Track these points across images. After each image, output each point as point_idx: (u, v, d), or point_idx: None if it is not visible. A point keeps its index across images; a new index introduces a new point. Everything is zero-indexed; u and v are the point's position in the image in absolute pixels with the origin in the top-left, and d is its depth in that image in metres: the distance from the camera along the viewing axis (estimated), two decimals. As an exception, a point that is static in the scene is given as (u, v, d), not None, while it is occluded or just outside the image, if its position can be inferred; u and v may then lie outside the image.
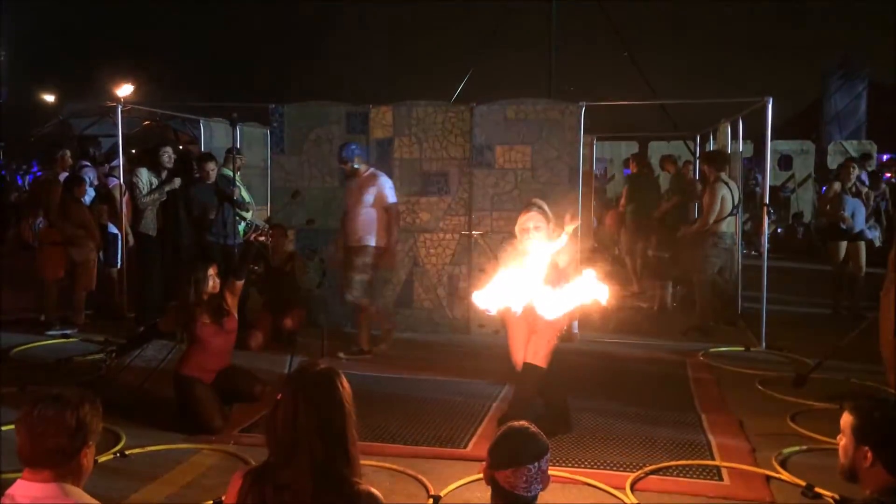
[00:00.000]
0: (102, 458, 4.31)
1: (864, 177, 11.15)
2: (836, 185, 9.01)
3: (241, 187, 8.02)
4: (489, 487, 2.42)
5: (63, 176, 8.25)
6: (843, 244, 8.76)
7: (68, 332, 7.61)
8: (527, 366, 4.77)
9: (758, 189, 8.74)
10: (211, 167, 7.58)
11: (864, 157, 13.89)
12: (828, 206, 8.99)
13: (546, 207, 4.85)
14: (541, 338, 4.74)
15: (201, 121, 9.49)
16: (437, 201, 7.86)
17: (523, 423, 2.48)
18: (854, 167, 9.21)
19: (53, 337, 7.44)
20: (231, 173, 7.80)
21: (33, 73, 27.03)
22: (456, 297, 7.82)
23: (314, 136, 8.10)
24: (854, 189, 8.95)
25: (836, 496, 3.81)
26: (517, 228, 4.81)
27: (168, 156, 7.92)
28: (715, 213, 7.74)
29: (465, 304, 7.67)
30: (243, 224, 8.10)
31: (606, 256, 10.57)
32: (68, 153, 8.74)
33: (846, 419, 2.39)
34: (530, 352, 4.76)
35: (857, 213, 8.75)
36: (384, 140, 7.97)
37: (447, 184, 7.85)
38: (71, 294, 7.90)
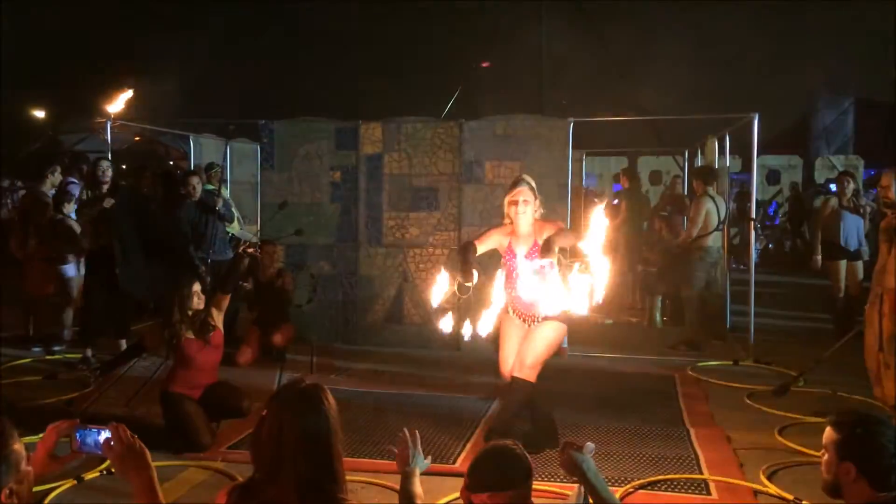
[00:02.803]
0: (89, 476, 4.28)
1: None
2: (833, 201, 8.44)
3: (225, 198, 7.94)
4: None
5: (52, 192, 8.22)
6: (843, 263, 8.29)
7: (55, 348, 7.57)
8: (514, 380, 4.76)
9: (749, 204, 8.72)
10: (194, 182, 7.56)
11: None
12: (822, 224, 8.43)
13: (533, 183, 4.87)
14: (531, 349, 4.71)
15: (191, 137, 9.49)
16: (427, 216, 7.88)
17: (508, 441, 2.38)
18: (848, 181, 8.57)
19: (37, 353, 7.39)
20: (213, 187, 7.78)
21: (23, 89, 26.97)
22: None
23: (304, 151, 8.12)
24: (852, 204, 8.37)
25: (823, 510, 3.83)
26: (506, 202, 4.81)
27: (103, 170, 7.51)
28: (698, 226, 7.78)
29: (456, 319, 7.66)
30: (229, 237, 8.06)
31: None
32: (59, 169, 8.72)
33: (829, 435, 2.39)
34: (517, 364, 4.73)
35: (854, 230, 8.27)
36: (374, 156, 8.00)
37: (437, 199, 7.88)
38: (58, 311, 7.86)
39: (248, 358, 7.09)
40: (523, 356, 4.72)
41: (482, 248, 4.79)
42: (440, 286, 4.08)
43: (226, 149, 7.76)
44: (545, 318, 4.69)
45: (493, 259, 5.01)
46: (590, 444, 2.42)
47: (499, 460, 2.29)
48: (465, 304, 4.63)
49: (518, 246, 4.77)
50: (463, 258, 4.53)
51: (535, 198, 4.79)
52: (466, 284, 4.33)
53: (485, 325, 4.20)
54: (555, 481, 4.32)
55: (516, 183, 4.83)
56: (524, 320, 4.81)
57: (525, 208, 4.72)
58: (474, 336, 4.31)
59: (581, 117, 7.98)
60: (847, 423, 2.37)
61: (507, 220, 4.85)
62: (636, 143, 14.63)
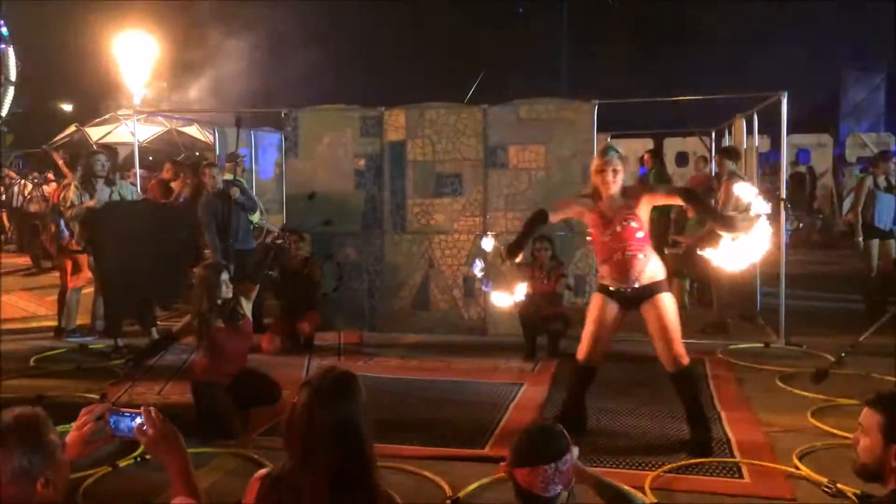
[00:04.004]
0: (123, 463, 4.35)
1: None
2: (869, 181, 8.39)
3: (244, 187, 7.99)
4: (511, 483, 2.42)
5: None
6: (876, 242, 8.27)
7: (88, 339, 7.69)
8: (674, 375, 4.63)
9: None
10: (213, 173, 7.62)
11: None
12: (859, 203, 8.36)
13: (622, 150, 4.79)
14: (669, 335, 4.54)
15: (215, 128, 9.55)
16: (452, 202, 7.86)
17: (548, 421, 2.49)
18: (887, 161, 8.44)
19: (72, 344, 7.51)
20: (232, 177, 7.82)
21: (50, 82, 27.30)
22: (472, 297, 7.81)
23: (328, 140, 8.13)
24: (887, 183, 8.29)
25: (858, 492, 3.77)
26: (592, 171, 4.67)
27: (101, 164, 7.51)
28: (729, 209, 7.67)
29: (481, 304, 7.68)
30: (252, 226, 8.11)
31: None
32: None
33: (870, 417, 2.29)
34: (667, 356, 4.57)
35: (887, 209, 8.19)
36: (398, 143, 7.98)
37: (461, 185, 7.85)
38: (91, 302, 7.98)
39: (276, 346, 7.14)
40: (668, 346, 4.56)
41: (558, 216, 4.74)
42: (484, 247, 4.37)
43: (238, 134, 7.77)
44: (648, 285, 4.55)
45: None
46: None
47: (539, 437, 2.40)
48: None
49: (606, 212, 4.60)
50: (525, 230, 4.58)
51: (624, 165, 4.66)
52: (511, 259, 4.38)
53: (516, 294, 4.38)
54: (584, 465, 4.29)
55: (605, 152, 4.66)
56: (620, 291, 4.61)
57: (615, 177, 4.58)
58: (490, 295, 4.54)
59: (605, 99, 7.89)
60: (893, 405, 2.27)
61: (587, 190, 4.75)
62: (662, 124, 14.46)
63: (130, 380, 5.89)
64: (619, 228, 4.54)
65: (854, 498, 3.79)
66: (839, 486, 3.92)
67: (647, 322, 4.61)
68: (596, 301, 4.75)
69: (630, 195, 4.63)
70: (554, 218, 4.71)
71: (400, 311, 7.97)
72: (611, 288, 4.65)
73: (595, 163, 4.68)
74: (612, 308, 4.67)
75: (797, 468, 4.24)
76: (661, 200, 5.04)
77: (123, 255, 7.05)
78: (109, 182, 7.54)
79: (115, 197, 7.46)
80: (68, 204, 7.34)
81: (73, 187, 7.42)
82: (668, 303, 4.59)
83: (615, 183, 4.58)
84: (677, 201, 5.18)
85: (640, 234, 4.55)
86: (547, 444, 2.36)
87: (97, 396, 5.61)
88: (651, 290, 4.57)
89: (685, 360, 4.61)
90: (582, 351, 4.80)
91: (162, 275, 7.38)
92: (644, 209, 4.60)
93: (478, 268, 4.44)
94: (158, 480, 4.12)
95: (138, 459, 4.39)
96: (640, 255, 4.55)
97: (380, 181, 7.99)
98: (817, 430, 4.84)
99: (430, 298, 7.94)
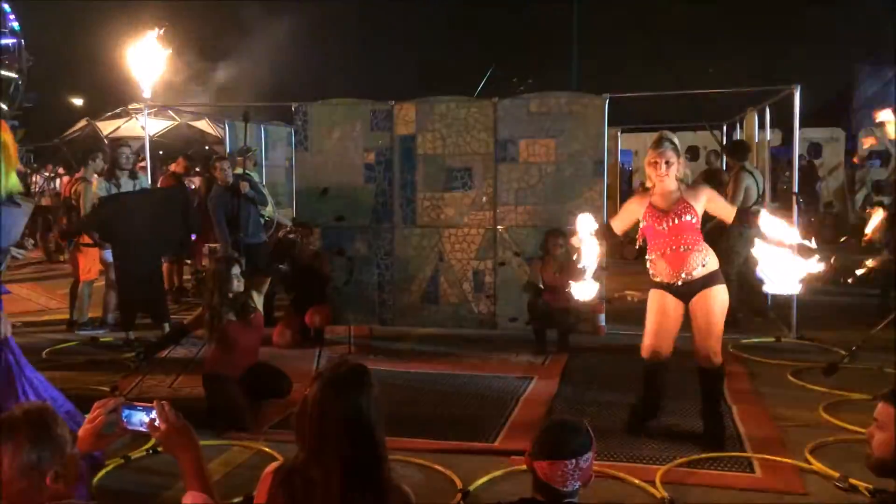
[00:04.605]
0: (135, 455, 4.38)
1: None
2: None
3: (253, 181, 8.01)
4: (524, 476, 2.47)
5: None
6: None
7: (99, 331, 7.73)
8: (703, 371, 4.62)
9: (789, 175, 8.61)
10: (224, 167, 7.66)
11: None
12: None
13: (677, 141, 4.63)
14: (711, 329, 4.53)
15: (226, 121, 9.56)
16: (462, 196, 7.85)
17: (571, 417, 2.51)
18: None
19: (84, 337, 7.55)
20: (242, 171, 7.86)
21: (60, 76, 27.38)
22: (482, 291, 7.80)
23: (338, 134, 8.12)
24: None
25: (871, 487, 3.75)
26: (646, 163, 4.59)
27: (126, 157, 7.68)
28: (738, 202, 7.64)
29: (491, 298, 7.68)
30: (263, 220, 8.14)
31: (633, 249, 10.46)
32: (100, 156, 8.84)
33: (887, 412, 2.28)
34: (702, 351, 4.56)
35: None
36: (408, 136, 7.97)
37: (471, 179, 7.83)
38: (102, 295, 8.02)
39: (287, 339, 7.16)
40: (706, 341, 4.55)
41: (619, 225, 4.65)
42: (589, 250, 4.20)
43: (246, 130, 7.78)
44: (705, 277, 4.49)
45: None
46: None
47: (560, 431, 2.40)
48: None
49: (660, 205, 4.54)
50: (609, 241, 4.57)
51: (679, 157, 4.55)
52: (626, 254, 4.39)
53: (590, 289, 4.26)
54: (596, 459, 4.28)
55: (658, 143, 4.53)
56: (676, 285, 4.54)
57: (668, 169, 4.49)
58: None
59: (616, 92, 7.84)
60: None
61: (647, 183, 4.64)
62: (673, 117, 14.37)
63: (141, 373, 5.92)
64: (675, 221, 4.47)
65: (866, 493, 3.77)
66: (851, 480, 3.90)
67: (694, 314, 4.55)
68: (652, 296, 4.67)
69: (690, 189, 4.55)
70: (618, 227, 4.63)
71: (410, 305, 7.97)
72: (665, 282, 4.58)
73: (648, 154, 4.59)
74: (671, 301, 4.59)
75: (808, 462, 4.22)
76: (715, 210, 4.64)
77: (135, 246, 7.09)
78: (133, 175, 7.63)
79: (139, 189, 7.56)
80: (90, 196, 7.44)
81: (95, 180, 7.51)
82: (719, 297, 4.52)
83: (668, 175, 4.50)
84: (725, 217, 4.71)
85: (696, 229, 4.50)
86: (570, 439, 2.36)
87: (108, 389, 5.65)
88: (704, 283, 4.50)
89: (719, 359, 4.59)
90: (643, 348, 4.75)
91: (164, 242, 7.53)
92: (702, 205, 4.52)
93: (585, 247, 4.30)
94: (170, 473, 4.15)
95: (150, 452, 4.41)
96: (696, 250, 4.48)
97: (390, 175, 7.98)
98: (829, 424, 4.82)
99: (439, 292, 7.93)
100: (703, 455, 4.37)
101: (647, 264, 4.65)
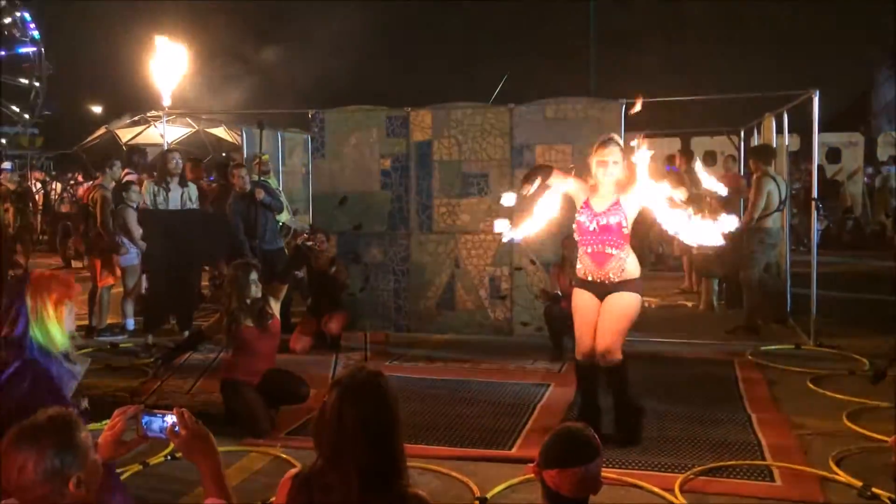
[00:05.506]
0: (153, 461, 4.39)
1: None
2: None
3: (270, 187, 8.04)
4: (539, 485, 2.40)
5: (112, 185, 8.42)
6: None
7: (118, 338, 7.77)
8: (602, 368, 4.65)
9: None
10: (241, 174, 7.71)
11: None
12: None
13: (622, 142, 4.80)
14: (609, 326, 4.59)
15: (243, 128, 9.61)
16: (478, 202, 7.84)
17: (580, 424, 2.47)
18: None
19: (103, 343, 7.60)
20: (258, 178, 7.90)
21: (80, 85, 27.67)
22: (498, 298, 7.78)
23: (354, 140, 8.15)
24: None
25: (894, 497, 3.70)
26: (593, 162, 4.69)
27: (176, 162, 7.70)
28: (760, 208, 7.59)
29: (507, 304, 7.67)
30: (279, 225, 8.17)
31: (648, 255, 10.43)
32: (118, 163, 8.92)
33: None
34: (599, 348, 4.61)
35: None
36: (424, 142, 7.98)
37: (488, 185, 7.83)
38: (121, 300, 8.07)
39: (304, 345, 7.18)
40: (603, 337, 4.59)
41: (557, 181, 4.63)
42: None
43: (261, 137, 7.81)
44: (619, 282, 4.59)
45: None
46: None
47: (568, 439, 2.39)
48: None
49: (595, 203, 4.66)
50: (536, 170, 4.63)
51: (624, 158, 4.65)
52: (523, 191, 4.50)
53: (519, 232, 4.59)
54: (615, 467, 4.27)
55: (606, 143, 4.67)
56: (595, 282, 4.64)
57: (614, 169, 4.61)
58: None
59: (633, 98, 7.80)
60: None
61: (590, 181, 4.75)
62: (690, 123, 14.31)
63: (159, 378, 5.95)
64: (603, 222, 4.59)
65: (889, 502, 3.72)
66: (874, 490, 3.85)
67: (601, 311, 4.64)
68: (575, 296, 4.79)
69: (627, 194, 4.58)
70: (557, 176, 4.63)
71: (426, 311, 7.97)
72: (587, 279, 4.70)
73: (597, 153, 4.69)
74: (590, 299, 4.69)
75: (830, 471, 4.17)
76: (630, 190, 4.58)
77: (170, 254, 7.25)
78: (183, 182, 7.69)
79: (186, 196, 7.65)
80: (141, 201, 7.60)
81: (145, 185, 7.61)
82: (627, 299, 4.62)
83: (611, 175, 4.61)
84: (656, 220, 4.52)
85: (622, 232, 4.58)
86: (578, 447, 2.35)
87: (127, 395, 5.68)
88: (618, 287, 4.61)
89: (618, 356, 4.62)
90: (577, 352, 4.81)
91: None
92: (633, 213, 4.59)
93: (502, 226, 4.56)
94: (188, 479, 4.16)
95: (169, 458, 4.43)
96: (619, 255, 4.58)
97: (406, 181, 8.00)
98: (850, 433, 4.76)
99: (455, 298, 7.92)
100: (722, 463, 4.33)
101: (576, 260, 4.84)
